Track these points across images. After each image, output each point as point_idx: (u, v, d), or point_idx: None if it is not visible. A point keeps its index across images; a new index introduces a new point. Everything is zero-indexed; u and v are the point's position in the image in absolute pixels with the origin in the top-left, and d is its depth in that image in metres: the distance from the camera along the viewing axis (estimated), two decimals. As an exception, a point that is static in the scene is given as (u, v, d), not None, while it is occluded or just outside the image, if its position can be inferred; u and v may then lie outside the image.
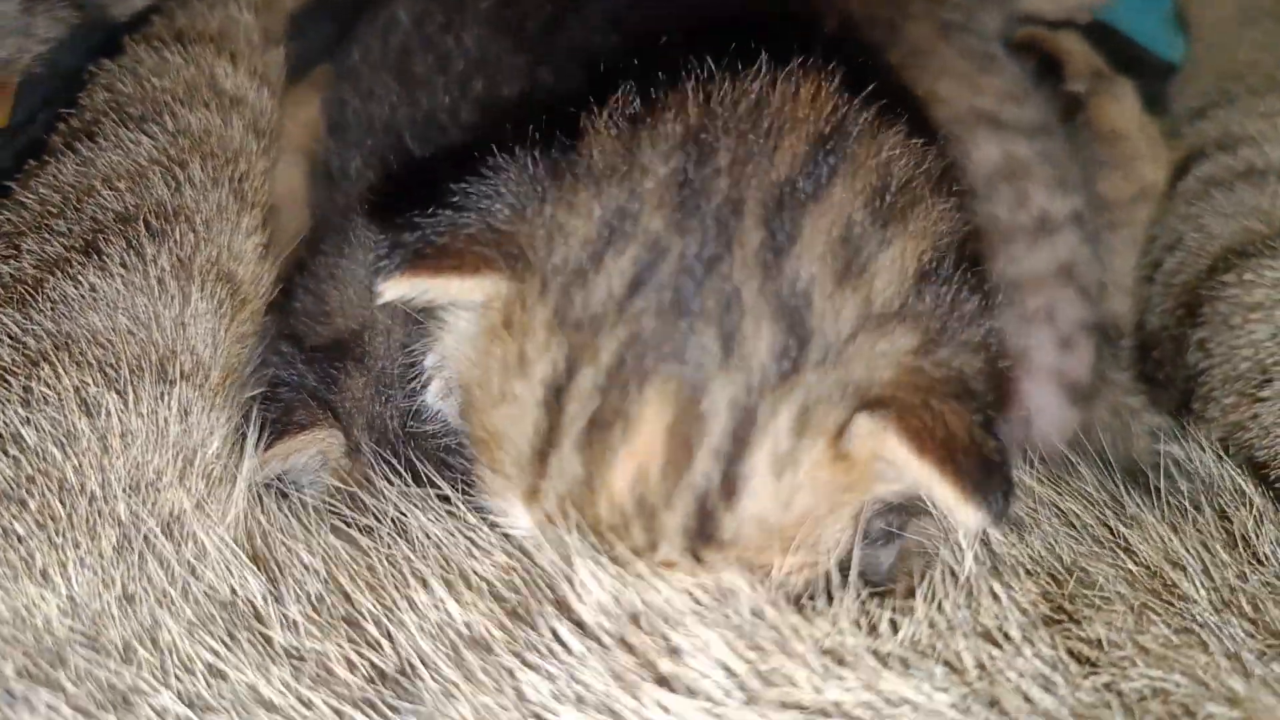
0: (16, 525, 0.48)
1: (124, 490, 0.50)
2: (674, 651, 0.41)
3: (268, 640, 0.43)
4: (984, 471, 0.42)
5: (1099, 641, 0.44)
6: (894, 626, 0.41)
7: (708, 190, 0.45)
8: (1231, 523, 0.52)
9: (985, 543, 0.48)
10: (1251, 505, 0.51)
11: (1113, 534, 0.51)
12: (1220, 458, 0.56)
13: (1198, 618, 0.47)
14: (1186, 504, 0.52)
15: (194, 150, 0.65)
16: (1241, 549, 0.50)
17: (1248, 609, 0.47)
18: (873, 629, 0.42)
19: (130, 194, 0.63)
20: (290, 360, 0.63)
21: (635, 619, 0.42)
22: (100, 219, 0.62)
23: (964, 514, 0.42)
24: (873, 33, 0.89)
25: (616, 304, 0.44)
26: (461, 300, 0.48)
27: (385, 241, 0.48)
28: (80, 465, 0.50)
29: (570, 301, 0.44)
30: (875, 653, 0.40)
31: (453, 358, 0.49)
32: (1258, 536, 0.51)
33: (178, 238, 0.61)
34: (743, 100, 0.48)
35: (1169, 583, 0.49)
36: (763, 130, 0.47)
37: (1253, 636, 0.46)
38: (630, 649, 0.41)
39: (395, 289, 0.46)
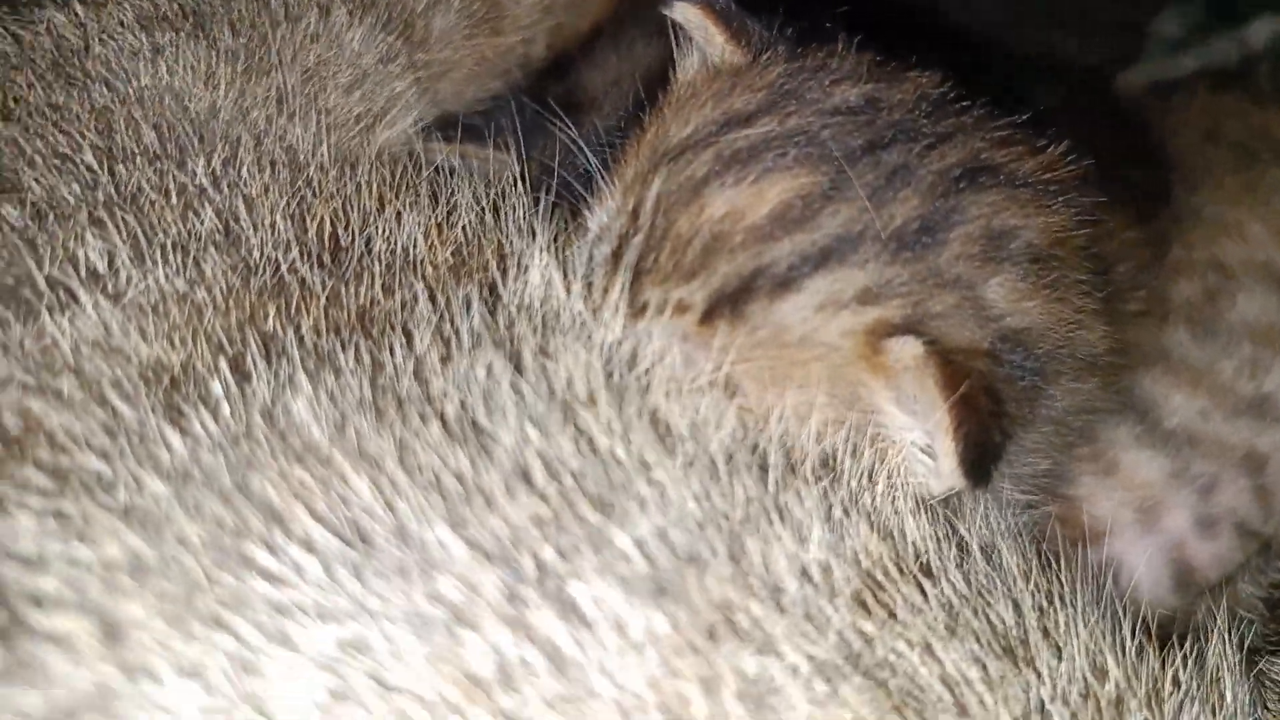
0: (222, 40, 0.62)
1: (301, 69, 0.63)
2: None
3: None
4: (983, 444, 0.47)
5: (893, 612, 0.43)
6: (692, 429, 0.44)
7: (941, 115, 0.54)
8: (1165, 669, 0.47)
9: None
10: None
11: (1015, 582, 0.48)
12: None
13: (1033, 691, 0.44)
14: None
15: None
16: (1148, 679, 0.46)
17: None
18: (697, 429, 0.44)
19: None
20: (516, 91, 0.75)
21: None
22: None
23: (948, 466, 0.47)
24: (1214, 149, 0.85)
25: (826, 108, 0.52)
26: (711, 51, 0.58)
27: None
28: (283, 35, 0.64)
29: (790, 85, 0.53)
30: (663, 444, 0.43)
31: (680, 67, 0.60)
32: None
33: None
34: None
35: (1027, 652, 0.46)
36: (990, 130, 0.55)
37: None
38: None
39: (684, 11, 0.57)
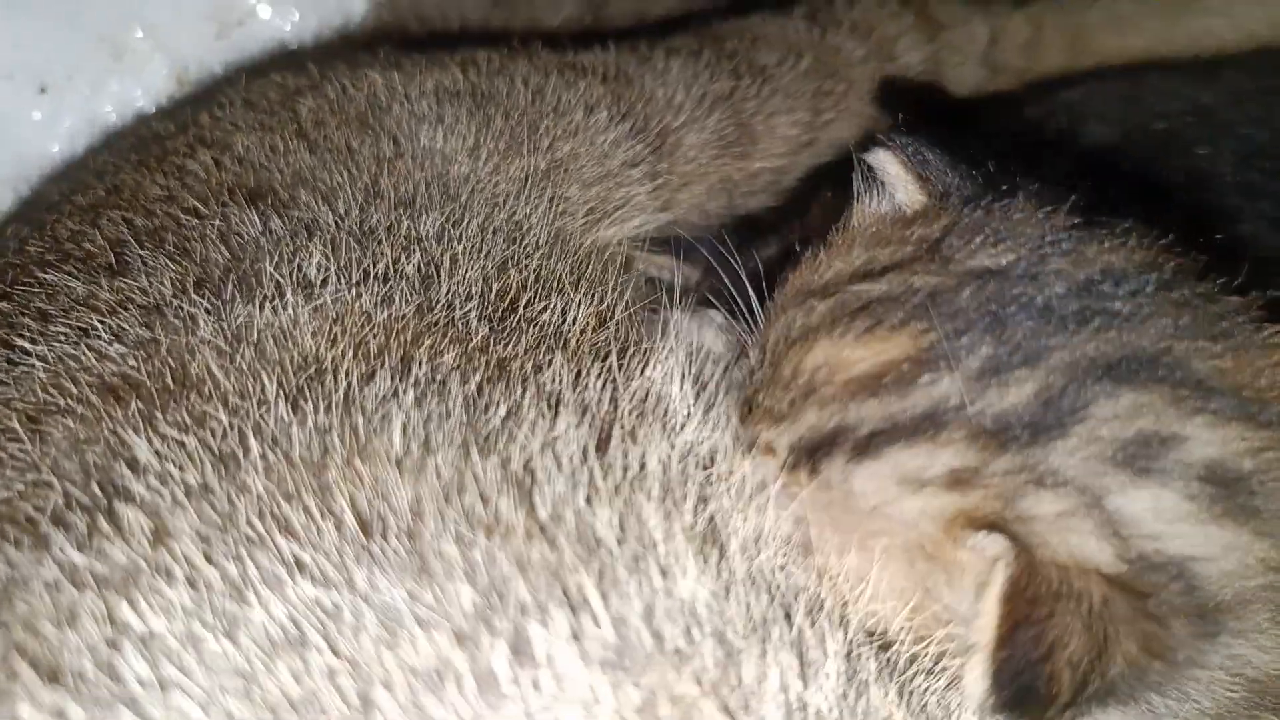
0: (495, 121, 0.75)
1: (553, 158, 0.74)
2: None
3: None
4: (1028, 686, 0.42)
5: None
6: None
7: (1111, 289, 0.49)
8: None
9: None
10: None
11: None
12: None
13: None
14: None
15: (820, 54, 0.86)
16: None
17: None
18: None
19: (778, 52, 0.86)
20: (720, 226, 0.83)
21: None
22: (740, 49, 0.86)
23: (974, 689, 0.43)
24: None
25: (964, 269, 0.49)
26: (898, 195, 0.57)
27: (911, 139, 0.59)
28: (547, 126, 0.76)
29: (943, 238, 0.51)
30: (700, 546, 0.47)
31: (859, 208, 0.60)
32: None
33: (755, 90, 0.83)
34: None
35: None
36: (1177, 316, 0.48)
37: None
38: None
39: (882, 159, 0.57)
